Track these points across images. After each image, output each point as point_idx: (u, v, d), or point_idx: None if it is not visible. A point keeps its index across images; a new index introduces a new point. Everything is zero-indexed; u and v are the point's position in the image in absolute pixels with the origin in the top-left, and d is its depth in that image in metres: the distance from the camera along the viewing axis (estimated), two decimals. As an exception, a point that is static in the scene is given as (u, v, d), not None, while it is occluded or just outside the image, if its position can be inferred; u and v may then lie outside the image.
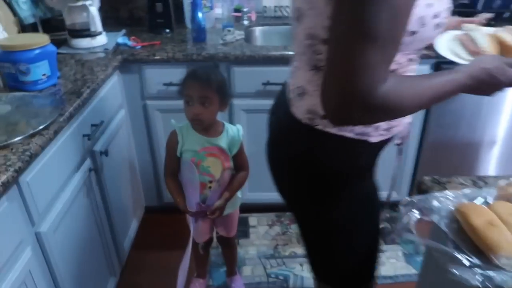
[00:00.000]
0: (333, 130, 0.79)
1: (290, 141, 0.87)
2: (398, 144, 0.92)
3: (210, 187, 1.35)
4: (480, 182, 0.88)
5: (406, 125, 0.89)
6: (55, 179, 1.13)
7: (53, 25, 1.97)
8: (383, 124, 0.81)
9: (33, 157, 0.98)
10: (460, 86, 0.69)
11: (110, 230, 1.56)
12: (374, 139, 0.82)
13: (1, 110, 1.17)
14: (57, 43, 1.80)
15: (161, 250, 1.90)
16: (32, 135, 1.02)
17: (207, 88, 1.24)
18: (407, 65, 0.77)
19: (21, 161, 0.93)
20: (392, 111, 0.65)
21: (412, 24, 0.65)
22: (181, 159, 1.34)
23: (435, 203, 0.77)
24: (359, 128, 0.79)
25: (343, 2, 0.59)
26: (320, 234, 0.94)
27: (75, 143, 1.26)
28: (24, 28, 1.78)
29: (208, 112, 1.26)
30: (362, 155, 0.85)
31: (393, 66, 0.63)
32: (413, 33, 0.68)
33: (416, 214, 0.76)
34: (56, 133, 1.10)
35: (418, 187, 0.91)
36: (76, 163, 1.27)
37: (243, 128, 1.40)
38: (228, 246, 1.66)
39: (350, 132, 0.79)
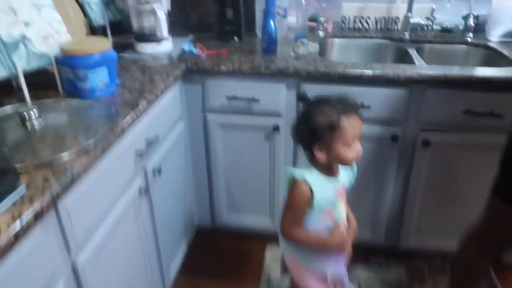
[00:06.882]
0: None
1: None
2: None
3: None
4: None
5: None
6: (99, 201, 1.00)
7: (123, 27, 1.93)
8: None
9: (75, 179, 0.86)
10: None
11: (156, 254, 1.43)
12: None
13: (54, 119, 1.08)
14: (123, 46, 1.74)
15: (212, 276, 1.75)
16: (78, 153, 0.91)
17: None
18: None
19: (61, 184, 0.82)
20: None
21: None
22: (310, 214, 1.08)
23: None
24: None
25: None
26: None
27: (126, 160, 1.14)
28: (93, 29, 1.74)
29: None
30: None
31: None
32: None
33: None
34: (104, 150, 0.98)
35: None
36: (125, 183, 1.14)
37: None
38: None
39: None
